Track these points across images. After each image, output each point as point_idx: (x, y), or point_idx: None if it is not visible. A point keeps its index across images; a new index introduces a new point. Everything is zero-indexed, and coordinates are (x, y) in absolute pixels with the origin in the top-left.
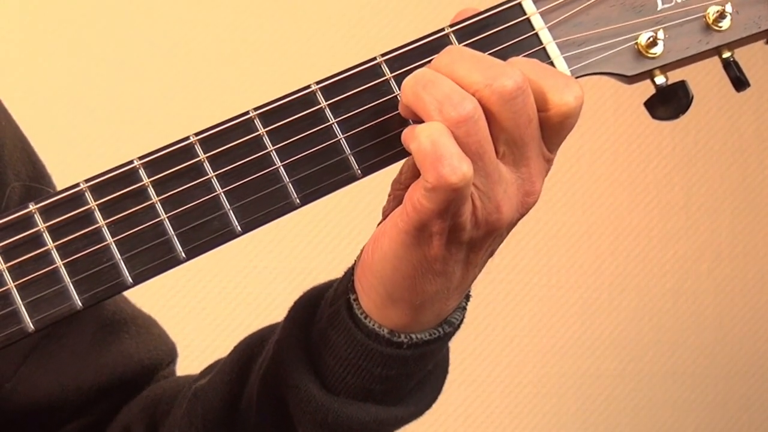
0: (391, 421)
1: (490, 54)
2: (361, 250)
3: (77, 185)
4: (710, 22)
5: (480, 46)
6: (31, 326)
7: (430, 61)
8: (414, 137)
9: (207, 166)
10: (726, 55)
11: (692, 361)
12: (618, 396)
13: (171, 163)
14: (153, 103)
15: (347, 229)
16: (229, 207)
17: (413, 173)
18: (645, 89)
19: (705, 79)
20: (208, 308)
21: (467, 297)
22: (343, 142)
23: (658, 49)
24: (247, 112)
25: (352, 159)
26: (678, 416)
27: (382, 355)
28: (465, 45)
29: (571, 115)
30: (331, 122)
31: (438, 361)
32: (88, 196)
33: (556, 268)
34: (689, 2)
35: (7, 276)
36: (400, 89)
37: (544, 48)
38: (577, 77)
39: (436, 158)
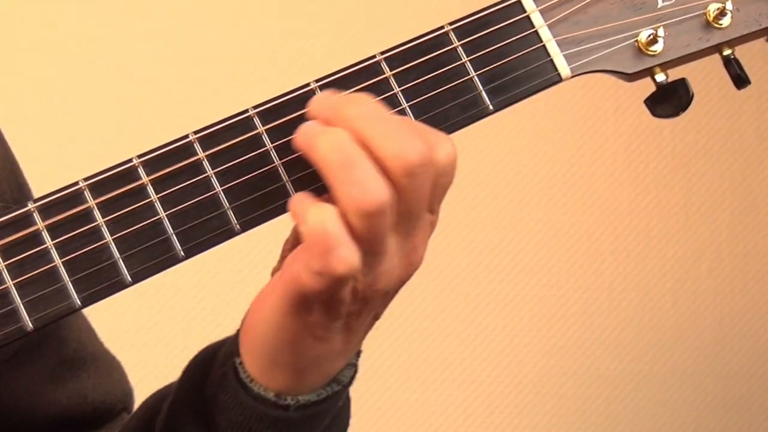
0: None
1: (490, 51)
2: (246, 313)
3: (76, 183)
4: (711, 19)
5: (480, 44)
6: (30, 325)
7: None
8: (304, 219)
9: (206, 164)
10: (726, 52)
11: (692, 361)
12: (618, 396)
13: (170, 161)
14: (152, 102)
15: None
16: (228, 205)
17: (299, 237)
18: (645, 88)
19: (705, 79)
20: (208, 308)
21: (357, 353)
22: None
23: (658, 47)
24: (245, 111)
25: None
26: (678, 416)
27: (270, 417)
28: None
29: (443, 174)
30: None
31: (336, 415)
32: (87, 194)
33: (556, 268)
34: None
35: (5, 274)
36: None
37: (543, 46)
38: (577, 75)
39: (326, 247)
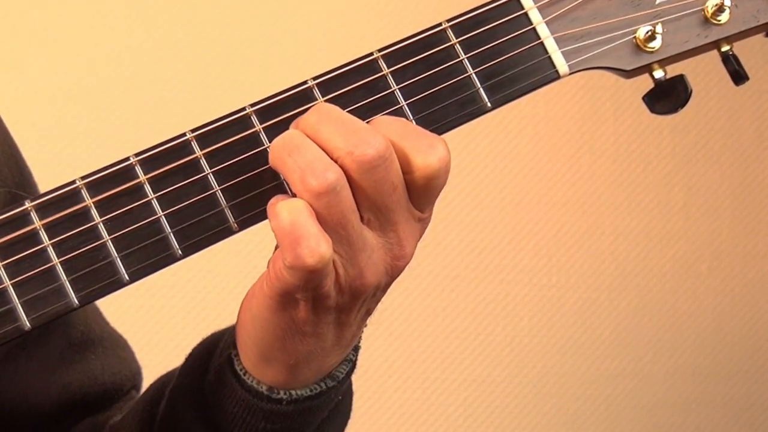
0: None
1: (488, 49)
2: (239, 309)
3: (73, 182)
4: (709, 15)
5: (477, 41)
6: (27, 324)
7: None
8: (274, 214)
9: (203, 162)
10: (725, 48)
11: (692, 361)
12: (618, 396)
13: (167, 160)
14: (149, 100)
15: None
16: (225, 204)
17: None
18: (645, 87)
19: (705, 80)
20: (208, 308)
21: (356, 349)
22: None
23: (656, 43)
24: (243, 108)
25: None
26: (678, 416)
27: (264, 410)
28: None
29: (435, 177)
30: None
31: (334, 408)
32: (84, 193)
33: (556, 268)
34: None
35: (3, 274)
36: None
37: (541, 42)
38: (575, 72)
39: (294, 239)
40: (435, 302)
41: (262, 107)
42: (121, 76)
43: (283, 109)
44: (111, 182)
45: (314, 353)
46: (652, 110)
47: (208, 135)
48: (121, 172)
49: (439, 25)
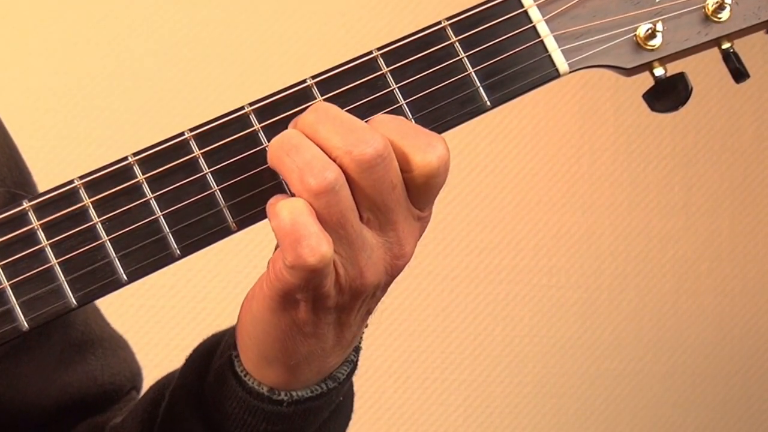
0: None
1: (488, 47)
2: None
3: (71, 182)
4: (709, 13)
5: (477, 40)
6: (25, 325)
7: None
8: (274, 214)
9: (202, 162)
10: (725, 46)
11: (692, 361)
12: (618, 396)
13: (165, 159)
14: (148, 100)
15: None
16: (224, 204)
17: None
18: (645, 85)
19: (705, 80)
20: (208, 308)
21: (357, 349)
22: None
23: (656, 41)
24: (242, 107)
25: None
26: (678, 416)
27: (264, 412)
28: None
29: (434, 175)
30: None
31: (335, 409)
32: (83, 193)
33: (556, 268)
34: None
35: (1, 274)
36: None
37: (541, 41)
38: (575, 70)
39: (295, 238)
40: (435, 302)
41: (260, 106)
42: (119, 76)
43: (282, 108)
44: (109, 182)
45: (315, 354)
46: (653, 108)
47: (206, 134)
48: (119, 172)
49: (439, 23)
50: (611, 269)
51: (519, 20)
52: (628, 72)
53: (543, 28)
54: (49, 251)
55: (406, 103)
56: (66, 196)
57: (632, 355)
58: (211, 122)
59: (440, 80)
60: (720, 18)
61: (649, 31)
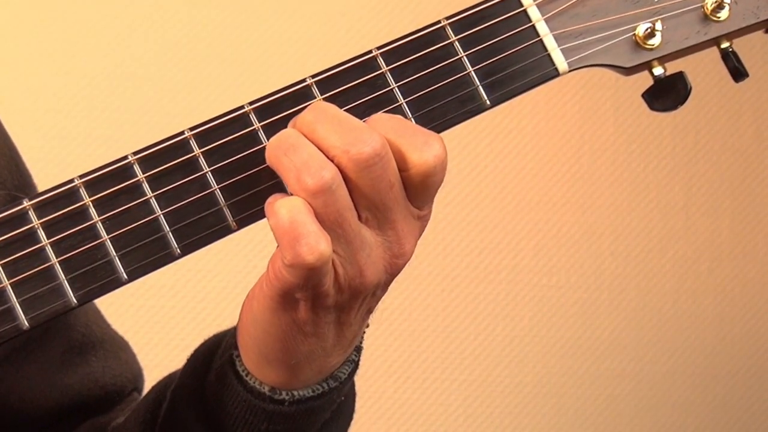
0: None
1: (487, 46)
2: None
3: (71, 181)
4: (708, 12)
5: (476, 39)
6: (26, 324)
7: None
8: (273, 213)
9: (202, 161)
10: (724, 45)
11: (692, 361)
12: (618, 396)
13: (166, 158)
14: (148, 99)
15: None
16: (224, 203)
17: None
18: (645, 85)
19: (705, 80)
20: (208, 308)
21: (358, 349)
22: None
23: (656, 40)
24: (242, 107)
25: None
26: (678, 416)
27: (266, 411)
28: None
29: (432, 174)
30: None
31: (337, 409)
32: (83, 192)
33: (556, 268)
34: None
35: (1, 273)
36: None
37: (541, 40)
38: (574, 69)
39: (293, 237)
40: (435, 302)
41: (260, 105)
42: (119, 76)
43: (282, 107)
44: (109, 181)
45: (315, 353)
46: (652, 107)
47: (206, 133)
48: (119, 171)
49: (438, 22)
50: (611, 269)
51: (518, 19)
52: (628, 71)
53: (542, 27)
54: (49, 250)
55: (405, 102)
56: (66, 195)
57: (632, 355)
58: (211, 121)
59: (440, 79)
60: (719, 17)
61: (649, 31)
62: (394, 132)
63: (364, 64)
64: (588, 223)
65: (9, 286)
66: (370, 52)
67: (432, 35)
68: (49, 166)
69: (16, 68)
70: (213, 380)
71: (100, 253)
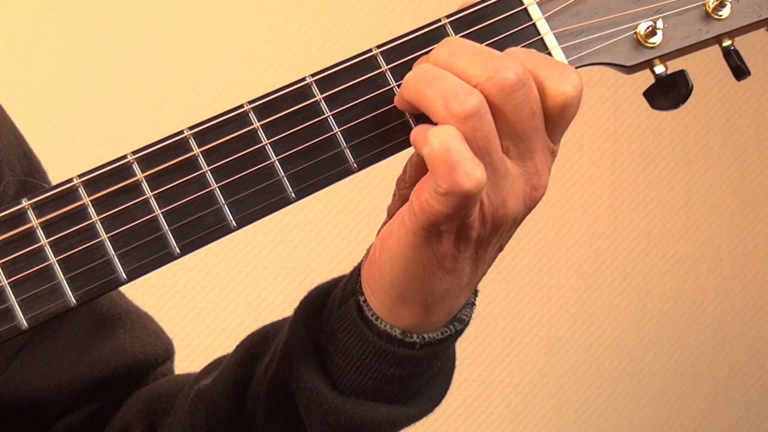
0: (403, 419)
1: (487, 45)
2: (367, 251)
3: (70, 180)
4: (710, 10)
5: (477, 37)
6: (24, 323)
7: (426, 53)
8: (425, 141)
9: (201, 160)
10: (726, 43)
11: (692, 361)
12: (618, 396)
13: (165, 157)
14: (147, 98)
15: (347, 229)
16: (223, 202)
17: (418, 171)
18: (646, 84)
19: (705, 79)
20: (208, 308)
21: (475, 293)
22: (339, 136)
23: (657, 39)
24: (241, 106)
25: (347, 152)
26: (678, 416)
27: (396, 356)
28: (462, 36)
29: (569, 105)
30: (326, 115)
31: (447, 358)
32: (82, 191)
33: (556, 268)
34: None
35: (0, 273)
36: (395, 81)
37: (541, 38)
38: (575, 68)
39: (450, 164)
40: None
41: (260, 104)
42: (119, 75)
43: (281, 106)
44: (108, 180)
45: (450, 292)
46: (653, 106)
47: (206, 132)
48: (118, 170)
49: (439, 21)
50: (611, 269)
51: (519, 18)
52: (629, 70)
53: (543, 26)
54: (48, 250)
55: None
56: (65, 194)
57: (632, 355)
58: (210, 120)
59: None
60: (720, 15)
61: (650, 29)
62: (530, 63)
63: (365, 63)
64: (588, 223)
65: (8, 286)
66: (370, 50)
67: (433, 34)
68: (49, 166)
69: (16, 68)
70: (331, 329)
71: (99, 252)
